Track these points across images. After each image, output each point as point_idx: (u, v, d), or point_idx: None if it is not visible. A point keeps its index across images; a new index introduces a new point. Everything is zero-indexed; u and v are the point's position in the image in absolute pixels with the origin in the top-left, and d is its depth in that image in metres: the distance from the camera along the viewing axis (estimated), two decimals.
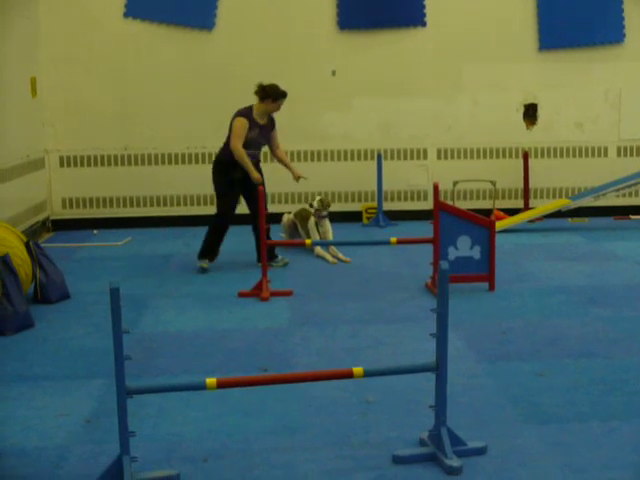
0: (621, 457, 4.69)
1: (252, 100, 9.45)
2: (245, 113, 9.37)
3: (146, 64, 12.39)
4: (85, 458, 4.75)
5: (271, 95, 9.30)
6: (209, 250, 9.58)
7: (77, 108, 12.37)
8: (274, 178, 11.53)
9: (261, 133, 9.45)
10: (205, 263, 9.54)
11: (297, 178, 9.69)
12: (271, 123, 9.62)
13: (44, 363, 6.48)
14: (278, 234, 10.89)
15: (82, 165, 12.49)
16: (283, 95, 9.37)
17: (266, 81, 9.45)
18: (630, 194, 12.80)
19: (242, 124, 9.29)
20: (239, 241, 10.91)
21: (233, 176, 9.38)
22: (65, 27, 12.20)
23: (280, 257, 9.78)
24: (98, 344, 6.80)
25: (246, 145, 9.30)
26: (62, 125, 12.39)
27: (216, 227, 9.55)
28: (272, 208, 11.90)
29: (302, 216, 10.73)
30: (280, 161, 9.88)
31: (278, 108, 9.47)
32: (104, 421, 5.23)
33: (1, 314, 7.20)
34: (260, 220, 8.45)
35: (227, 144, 9.43)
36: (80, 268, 9.79)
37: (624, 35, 12.74)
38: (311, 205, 10.47)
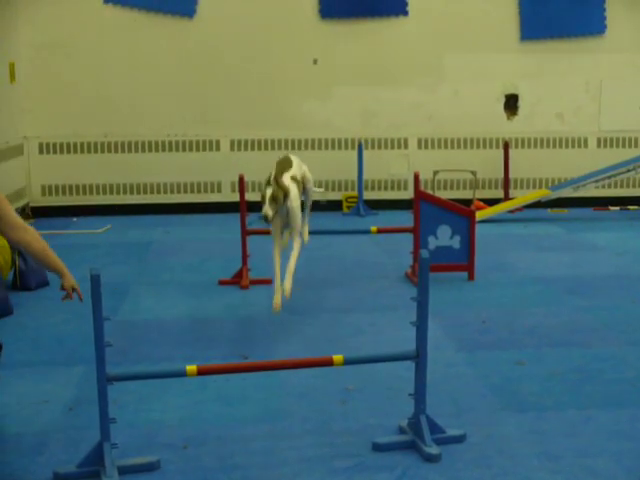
0: (597, 445, 4.72)
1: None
2: None
3: (127, 51, 12.33)
4: (66, 444, 4.74)
5: None
6: None
7: (57, 94, 12.31)
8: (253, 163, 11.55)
9: None
10: None
11: None
12: None
13: (23, 350, 6.46)
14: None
15: (62, 152, 12.43)
16: None
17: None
18: (609, 185, 12.83)
19: None
20: (220, 230, 10.92)
21: None
22: (45, 13, 12.12)
23: None
24: (78, 331, 6.78)
25: None
26: (41, 111, 12.32)
27: None
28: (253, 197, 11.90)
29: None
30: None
31: None
32: (84, 408, 5.23)
33: None
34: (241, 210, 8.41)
35: None
36: (59, 255, 9.60)
37: (605, 26, 12.78)
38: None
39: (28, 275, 8.17)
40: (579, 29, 12.75)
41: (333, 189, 12.86)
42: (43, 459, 4.58)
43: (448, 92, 12.81)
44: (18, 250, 8.15)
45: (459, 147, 12.92)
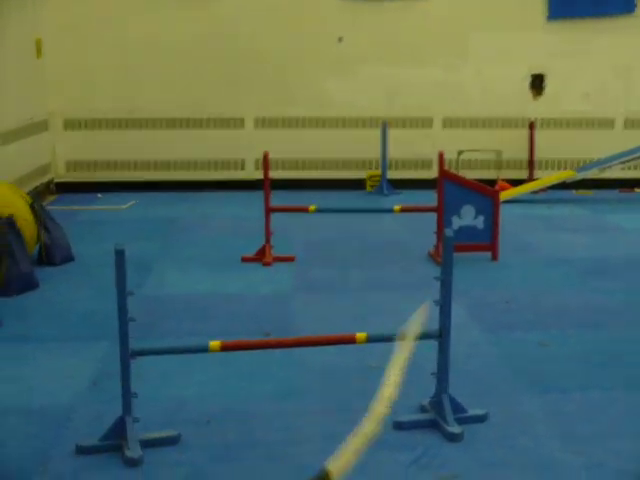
0: (621, 427, 4.71)
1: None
2: None
3: (151, 29, 12.31)
4: (90, 418, 4.78)
5: None
6: None
7: (82, 71, 12.33)
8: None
9: None
10: None
11: None
12: None
13: (49, 324, 6.51)
14: None
15: (86, 128, 12.47)
16: None
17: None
18: (636, 167, 12.75)
19: None
20: (244, 206, 10.93)
21: None
22: None
23: None
24: (102, 306, 6.80)
25: None
26: (67, 87, 12.34)
27: None
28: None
29: None
30: None
31: None
32: (108, 382, 5.25)
33: (6, 275, 7.21)
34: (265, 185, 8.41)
35: None
36: (84, 231, 9.79)
37: (635, 5, 12.64)
38: None
39: (53, 250, 8.20)
40: (607, 8, 12.61)
41: (357, 168, 12.84)
42: (67, 432, 4.62)
43: (473, 71, 12.72)
44: (44, 225, 8.19)
45: (484, 127, 12.86)
